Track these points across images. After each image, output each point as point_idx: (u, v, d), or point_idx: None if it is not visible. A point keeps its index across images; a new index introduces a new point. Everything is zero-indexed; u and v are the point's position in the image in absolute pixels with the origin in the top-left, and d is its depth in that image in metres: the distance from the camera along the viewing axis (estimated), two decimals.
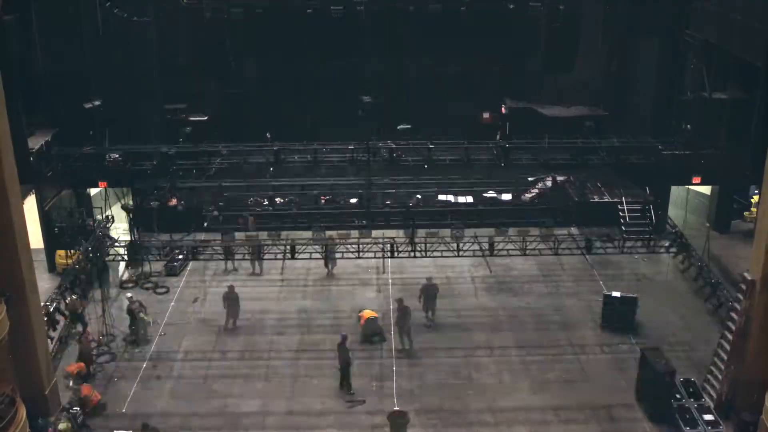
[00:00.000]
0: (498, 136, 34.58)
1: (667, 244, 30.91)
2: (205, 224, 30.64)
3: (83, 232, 31.06)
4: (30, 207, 28.46)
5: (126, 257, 29.48)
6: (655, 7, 32.57)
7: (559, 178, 32.25)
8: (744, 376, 22.63)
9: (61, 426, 22.38)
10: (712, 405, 23.33)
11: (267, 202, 31.16)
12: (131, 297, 28.06)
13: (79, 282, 29.12)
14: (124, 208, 35.01)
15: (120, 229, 34.39)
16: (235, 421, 23.58)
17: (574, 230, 31.49)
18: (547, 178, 32.32)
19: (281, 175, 32.40)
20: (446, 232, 28.21)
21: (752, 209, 33.58)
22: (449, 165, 31.60)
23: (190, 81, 34.56)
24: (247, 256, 30.42)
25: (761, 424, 21.01)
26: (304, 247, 27.94)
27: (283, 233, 29.21)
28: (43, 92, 29.77)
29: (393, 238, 28.22)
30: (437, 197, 31.39)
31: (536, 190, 32.20)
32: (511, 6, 33.06)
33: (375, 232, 29.06)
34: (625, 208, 32.52)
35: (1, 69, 21.11)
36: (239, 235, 29.17)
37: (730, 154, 30.46)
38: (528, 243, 27.96)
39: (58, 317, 26.81)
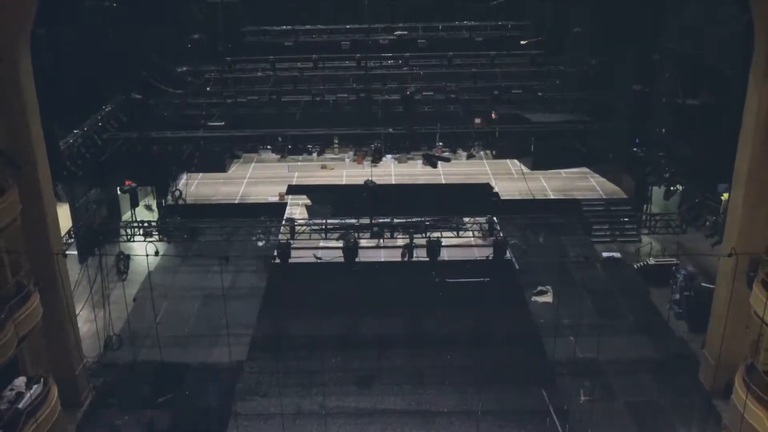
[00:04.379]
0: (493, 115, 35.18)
1: None
2: None
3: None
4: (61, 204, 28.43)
5: None
6: (633, 19, 32.48)
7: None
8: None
9: None
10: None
11: None
12: None
13: None
14: (147, 207, 35.20)
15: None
16: None
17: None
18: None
19: None
20: None
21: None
22: None
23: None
24: None
25: (731, 404, 20.94)
26: None
27: None
28: (73, 97, 29.55)
29: None
30: None
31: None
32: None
33: None
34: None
35: (35, 78, 21.07)
36: None
37: (702, 155, 30.38)
38: None
39: None
